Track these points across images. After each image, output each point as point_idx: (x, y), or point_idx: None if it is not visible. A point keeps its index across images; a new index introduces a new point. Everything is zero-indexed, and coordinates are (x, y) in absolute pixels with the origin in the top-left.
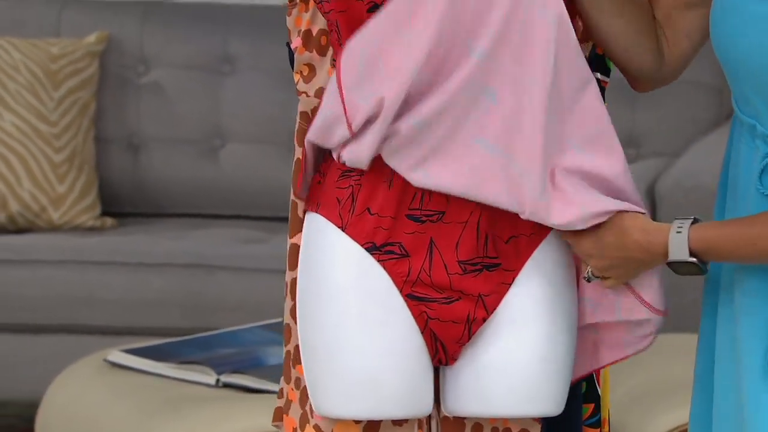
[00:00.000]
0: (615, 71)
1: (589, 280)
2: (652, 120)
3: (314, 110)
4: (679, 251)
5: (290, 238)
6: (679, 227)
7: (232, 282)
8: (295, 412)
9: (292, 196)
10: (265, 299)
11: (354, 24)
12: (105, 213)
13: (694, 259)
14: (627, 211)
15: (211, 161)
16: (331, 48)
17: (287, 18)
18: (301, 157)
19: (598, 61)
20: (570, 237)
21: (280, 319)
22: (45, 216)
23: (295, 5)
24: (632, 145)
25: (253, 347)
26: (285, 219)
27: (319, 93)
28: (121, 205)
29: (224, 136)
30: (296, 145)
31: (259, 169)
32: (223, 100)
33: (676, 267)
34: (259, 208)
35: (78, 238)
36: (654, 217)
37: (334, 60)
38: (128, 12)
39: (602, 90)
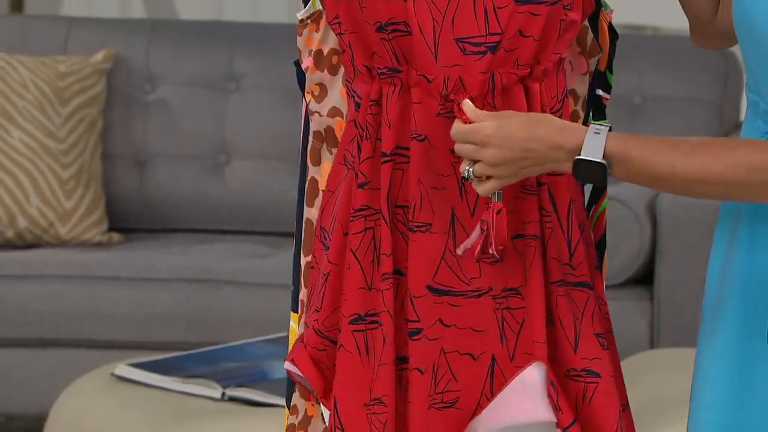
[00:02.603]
0: (615, 87)
1: (466, 179)
2: (653, 134)
3: (327, 129)
4: (593, 149)
5: (304, 256)
6: (597, 130)
7: (238, 296)
8: (315, 428)
9: (306, 215)
10: (270, 314)
11: (366, 45)
12: (112, 228)
13: (604, 162)
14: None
15: (216, 177)
16: (342, 67)
17: (298, 38)
18: (316, 177)
19: (600, 78)
20: (464, 126)
21: (285, 333)
22: (53, 231)
23: (305, 25)
24: None
25: (258, 361)
26: (290, 234)
27: (332, 112)
28: (127, 220)
29: (229, 152)
30: (310, 164)
31: (263, 185)
32: (228, 118)
33: (581, 168)
34: (264, 223)
35: (85, 254)
36: (654, 235)
37: (347, 80)
38: (135, 30)
39: (603, 107)
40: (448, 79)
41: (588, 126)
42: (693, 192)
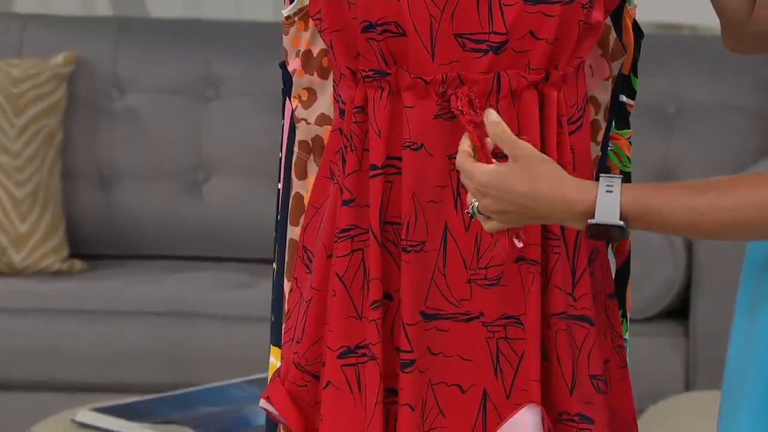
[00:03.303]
0: (640, 93)
1: (472, 216)
2: (689, 150)
3: (315, 139)
4: (608, 213)
5: (287, 281)
6: (609, 186)
7: (217, 332)
8: None
9: (289, 234)
10: (253, 351)
11: (350, 45)
12: (73, 255)
13: (623, 223)
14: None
15: (193, 197)
16: (332, 70)
17: (284, 37)
18: (302, 193)
19: (623, 82)
20: (466, 163)
21: (265, 374)
22: (5, 259)
23: (292, 23)
24: (666, 177)
25: (240, 405)
26: (272, 261)
27: (321, 120)
28: (91, 246)
29: (208, 168)
30: (294, 177)
31: (247, 206)
32: (207, 129)
33: (596, 231)
34: (248, 249)
35: (43, 284)
36: (690, 262)
37: (334, 82)
38: (100, 29)
39: (627, 114)
40: (446, 76)
41: (598, 182)
42: (726, 238)
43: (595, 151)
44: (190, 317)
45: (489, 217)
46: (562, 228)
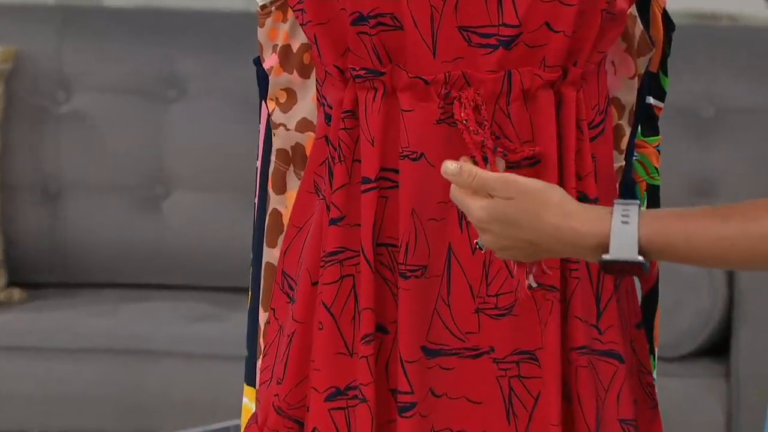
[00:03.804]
0: (672, 94)
1: (481, 249)
2: (728, 160)
3: (296, 147)
4: (625, 248)
5: (264, 311)
6: (624, 216)
7: (180, 372)
8: None
9: (266, 258)
10: (222, 394)
11: (337, 40)
12: (12, 283)
13: (642, 259)
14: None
15: (152, 214)
16: (314, 69)
17: (259, 30)
18: (280, 209)
19: (651, 82)
20: (461, 196)
21: (238, 421)
22: None
23: (269, 14)
24: (703, 192)
25: None
26: (244, 289)
27: (302, 126)
28: (33, 272)
29: (169, 181)
30: (272, 191)
31: (215, 225)
32: (168, 135)
33: (612, 267)
34: (216, 275)
35: None
36: (731, 291)
37: (317, 82)
38: (43, 21)
39: (655, 118)
40: (449, 75)
41: (611, 210)
42: (757, 268)
43: (618, 161)
44: (148, 355)
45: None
46: None
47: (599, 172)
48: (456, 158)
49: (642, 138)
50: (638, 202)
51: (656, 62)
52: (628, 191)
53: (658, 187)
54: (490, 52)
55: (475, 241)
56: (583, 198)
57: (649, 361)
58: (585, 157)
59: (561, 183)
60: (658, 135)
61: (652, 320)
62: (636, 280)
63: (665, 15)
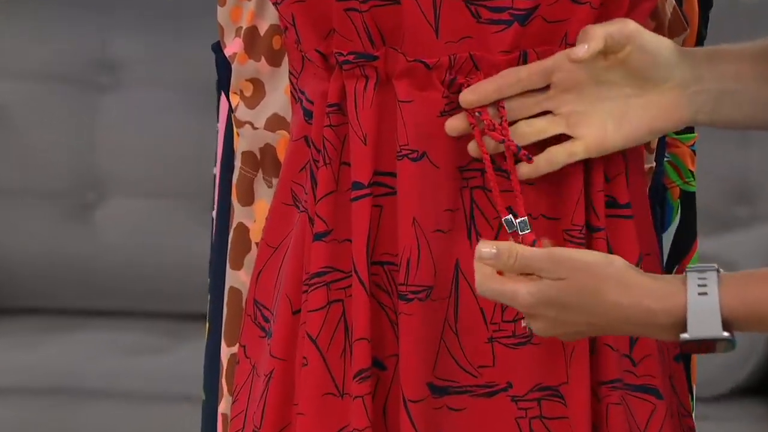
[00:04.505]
0: None
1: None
2: None
3: (265, 149)
4: (707, 324)
5: (227, 345)
6: (701, 286)
7: (116, 415)
8: None
9: (230, 282)
10: None
11: (319, 19)
12: None
13: (728, 335)
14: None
15: (81, 225)
16: (286, 56)
17: (218, 9)
18: (246, 224)
19: None
20: (497, 286)
21: None
22: None
23: None
24: (744, 200)
25: None
26: (195, 316)
27: (273, 123)
28: None
29: (102, 186)
30: (236, 202)
31: (157, 239)
32: (101, 130)
33: (694, 346)
34: (159, 300)
35: None
36: None
37: (291, 74)
38: None
39: None
40: (454, 58)
41: (684, 278)
42: None
43: (648, 161)
44: (78, 395)
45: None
46: None
47: (631, 171)
48: (464, 157)
49: (674, 136)
50: (715, 266)
51: (690, 45)
52: (657, 198)
53: (693, 194)
54: (503, 30)
55: (522, 324)
56: (612, 203)
57: (688, 400)
58: (614, 155)
59: (587, 186)
60: (693, 132)
61: (689, 353)
62: None
63: None
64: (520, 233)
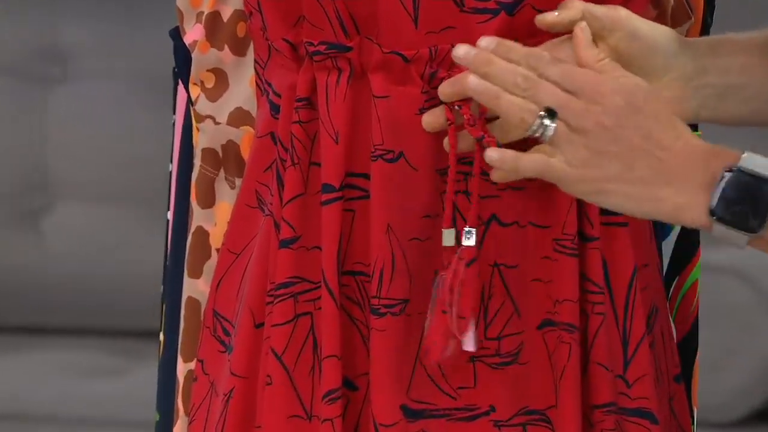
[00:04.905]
0: None
1: (532, 134)
2: None
3: (228, 146)
4: (762, 163)
5: (184, 361)
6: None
7: None
8: None
9: (188, 292)
10: None
11: (288, 4)
12: None
13: None
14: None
15: (27, 234)
16: (252, 44)
17: None
18: (206, 228)
19: None
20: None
21: None
22: None
23: None
24: None
25: None
26: (153, 334)
27: (237, 117)
28: None
29: (50, 189)
30: (195, 204)
31: (110, 248)
32: (48, 128)
33: (741, 187)
34: (112, 316)
35: None
36: None
37: (257, 64)
38: None
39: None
40: (435, 50)
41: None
42: None
43: None
44: (24, 422)
45: (557, 147)
46: (606, 274)
47: None
48: (444, 158)
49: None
50: None
51: (695, 35)
52: None
53: None
54: (489, 20)
55: (527, 127)
56: (606, 210)
57: (689, 424)
58: None
59: None
60: (697, 130)
61: (689, 372)
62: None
63: None
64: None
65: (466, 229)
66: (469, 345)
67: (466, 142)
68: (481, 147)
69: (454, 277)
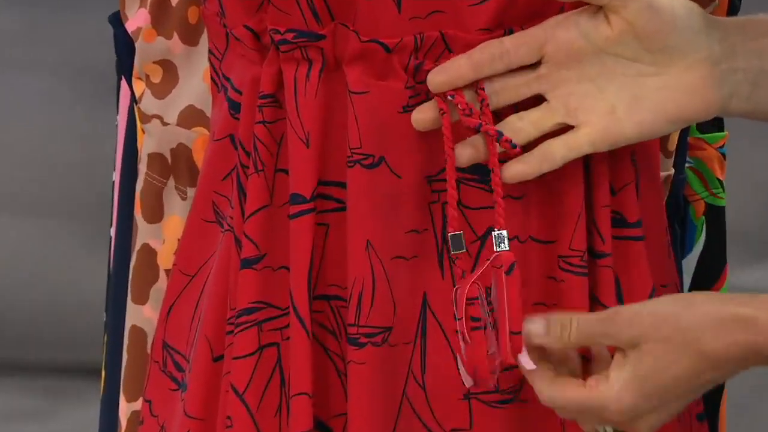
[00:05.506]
0: None
1: None
2: None
3: (178, 151)
4: None
5: (127, 401)
6: None
7: None
8: None
9: (132, 320)
10: None
11: None
12: None
13: None
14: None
15: None
16: (206, 32)
17: None
18: (153, 246)
19: None
20: (570, 394)
21: None
22: None
23: None
24: None
25: None
26: (86, 370)
27: (188, 117)
28: None
29: None
30: (139, 218)
31: (36, 269)
32: None
33: None
34: (41, 349)
35: None
36: None
37: (213, 55)
38: None
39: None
40: (421, 38)
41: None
42: None
43: (666, 167)
44: None
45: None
46: (620, 296)
47: (643, 180)
48: (432, 163)
49: (698, 135)
50: None
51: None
52: (676, 215)
53: (722, 209)
54: (481, 2)
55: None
56: (619, 222)
57: None
58: (622, 159)
59: (588, 199)
60: (723, 130)
61: (716, 410)
62: None
63: None
64: (495, 250)
65: (496, 232)
66: (529, 363)
67: (468, 150)
68: (489, 137)
69: (497, 289)
